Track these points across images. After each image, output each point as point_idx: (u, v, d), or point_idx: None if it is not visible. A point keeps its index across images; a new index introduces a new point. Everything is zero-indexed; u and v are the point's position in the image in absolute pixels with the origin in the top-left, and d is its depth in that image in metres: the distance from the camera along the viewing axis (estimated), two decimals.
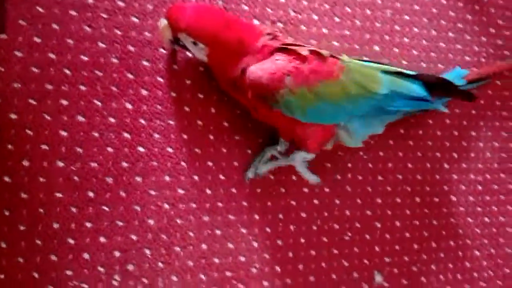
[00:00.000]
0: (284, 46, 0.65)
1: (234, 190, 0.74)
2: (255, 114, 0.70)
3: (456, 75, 0.85)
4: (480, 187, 0.93)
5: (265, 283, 0.74)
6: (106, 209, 0.66)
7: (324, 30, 0.83)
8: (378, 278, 0.82)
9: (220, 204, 0.73)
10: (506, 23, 0.99)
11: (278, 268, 0.75)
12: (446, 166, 0.90)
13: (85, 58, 0.68)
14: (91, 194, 0.66)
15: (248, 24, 0.69)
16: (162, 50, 0.72)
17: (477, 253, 0.91)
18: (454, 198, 0.90)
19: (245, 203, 0.75)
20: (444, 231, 0.89)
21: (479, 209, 0.93)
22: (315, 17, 0.82)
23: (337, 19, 0.84)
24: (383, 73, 0.71)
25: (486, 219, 0.93)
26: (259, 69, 0.62)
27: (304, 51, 0.64)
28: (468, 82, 0.85)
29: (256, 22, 0.78)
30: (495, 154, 0.95)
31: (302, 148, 0.72)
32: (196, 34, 0.62)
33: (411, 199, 0.87)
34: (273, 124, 0.71)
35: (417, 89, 0.73)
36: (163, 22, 0.63)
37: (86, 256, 0.66)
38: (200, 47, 0.63)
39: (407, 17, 0.89)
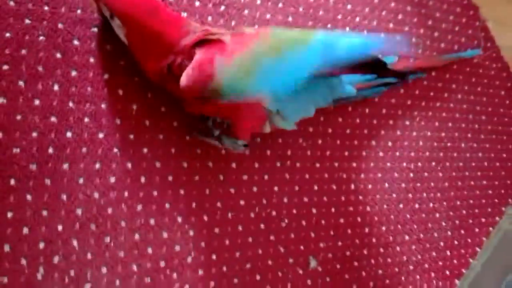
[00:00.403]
0: (205, 38, 0.60)
1: (170, 178, 0.72)
2: (190, 109, 0.68)
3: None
4: (411, 175, 0.98)
5: (201, 272, 0.74)
6: (29, 197, 0.62)
7: (267, 16, 0.81)
8: (313, 263, 0.84)
9: (155, 193, 0.70)
10: (443, 16, 1.02)
11: (214, 256, 0.75)
12: (380, 154, 0.93)
13: (8, 35, 0.62)
14: (12, 181, 0.61)
15: (179, 19, 0.63)
16: (94, 29, 0.67)
17: (406, 237, 0.96)
18: (386, 185, 0.94)
19: (182, 191, 0.73)
20: (376, 217, 0.92)
21: (410, 195, 0.98)
22: (258, 2, 0.81)
23: (280, 5, 0.83)
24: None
25: (416, 205, 0.98)
26: (185, 73, 0.58)
27: (225, 37, 0.60)
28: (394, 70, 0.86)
29: (197, 3, 0.75)
30: (427, 143, 1.00)
31: (234, 133, 0.70)
32: (113, 6, 0.57)
33: (346, 186, 0.89)
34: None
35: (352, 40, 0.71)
36: None
37: (6, 248, 0.61)
38: (117, 23, 0.59)
39: (349, 6, 0.90)
